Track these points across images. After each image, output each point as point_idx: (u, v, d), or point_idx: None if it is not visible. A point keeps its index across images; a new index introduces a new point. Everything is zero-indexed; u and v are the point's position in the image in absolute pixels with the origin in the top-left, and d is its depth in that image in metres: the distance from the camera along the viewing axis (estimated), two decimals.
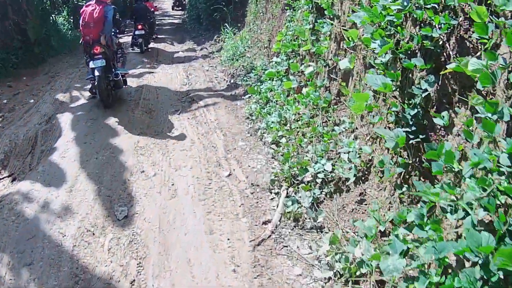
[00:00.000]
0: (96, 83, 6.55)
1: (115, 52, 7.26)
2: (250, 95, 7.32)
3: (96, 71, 6.38)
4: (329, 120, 4.89)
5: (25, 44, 12.29)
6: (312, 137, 4.83)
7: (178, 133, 6.52)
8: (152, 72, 10.49)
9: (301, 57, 6.29)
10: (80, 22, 6.52)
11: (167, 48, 14.50)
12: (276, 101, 6.37)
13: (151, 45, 14.11)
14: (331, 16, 5.07)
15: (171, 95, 8.58)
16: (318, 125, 4.90)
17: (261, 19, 9.81)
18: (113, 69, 6.96)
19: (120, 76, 7.04)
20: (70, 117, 7.15)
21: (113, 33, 7.19)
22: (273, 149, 5.42)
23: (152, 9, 15.18)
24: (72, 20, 18.43)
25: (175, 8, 27.05)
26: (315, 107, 5.15)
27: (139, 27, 12.75)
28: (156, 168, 5.34)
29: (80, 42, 7.23)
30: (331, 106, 4.94)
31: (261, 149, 5.66)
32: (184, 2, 26.54)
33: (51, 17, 15.84)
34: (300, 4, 6.55)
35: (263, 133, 5.93)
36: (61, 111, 7.64)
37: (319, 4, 5.38)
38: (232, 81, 8.98)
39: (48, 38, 13.77)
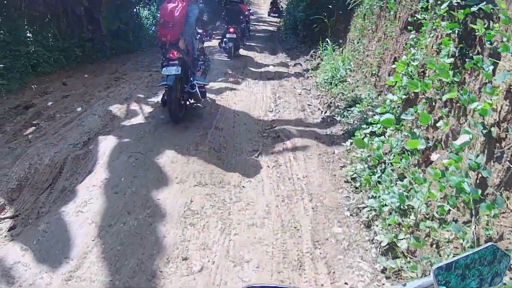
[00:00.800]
0: (167, 92, 5.81)
1: (195, 59, 6.47)
2: (353, 140, 5.43)
3: (168, 79, 5.62)
4: (485, 233, 2.77)
5: (96, 35, 11.44)
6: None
7: (251, 189, 4.71)
8: (234, 89, 8.92)
9: (433, 103, 4.22)
10: (158, 20, 5.91)
11: (257, 58, 13.11)
12: (393, 166, 4.35)
13: (240, 51, 13.03)
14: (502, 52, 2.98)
15: (252, 125, 6.86)
16: (467, 240, 2.82)
17: (369, 38, 7.96)
18: (190, 78, 6.18)
19: (196, 87, 6.15)
20: (113, 144, 5.67)
21: (196, 37, 6.46)
22: (385, 256, 3.42)
23: (246, 13, 14.40)
24: (158, 15, 17.79)
25: (271, 14, 26.85)
26: (460, 201, 3.07)
27: (231, 30, 11.88)
28: (206, 257, 3.54)
29: (155, 42, 6.19)
30: (489, 206, 2.79)
31: (366, 249, 3.65)
32: (281, 9, 26.20)
33: (135, 9, 15.20)
34: (432, 25, 4.50)
35: (372, 218, 3.93)
36: (107, 130, 6.24)
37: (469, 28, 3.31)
38: (328, 113, 7.13)
39: (125, 32, 12.93)
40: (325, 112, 7.10)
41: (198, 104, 7.19)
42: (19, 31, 8.97)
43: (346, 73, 8.39)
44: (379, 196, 3.93)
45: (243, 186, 4.79)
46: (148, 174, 4.88)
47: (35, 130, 6.38)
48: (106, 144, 5.68)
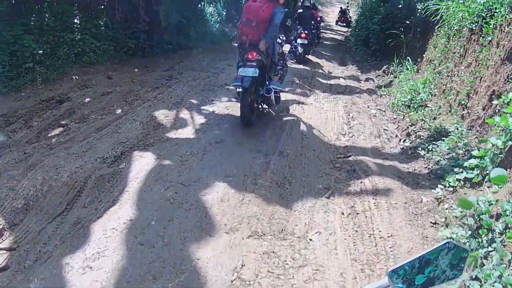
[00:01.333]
0: (240, 94, 5.62)
1: (274, 63, 6.21)
2: (443, 186, 4.26)
3: (244, 80, 5.46)
4: None
5: (153, 28, 10.66)
6: None
7: (320, 245, 3.48)
8: (302, 103, 7.76)
9: None
10: (241, 18, 5.73)
11: (325, 67, 12.15)
12: (505, 241, 3.00)
13: (309, 56, 12.51)
14: None
15: (322, 151, 5.65)
16: None
17: (455, 62, 6.94)
18: (266, 82, 6.06)
19: (272, 92, 6.04)
20: (150, 165, 4.61)
21: (278, 41, 6.27)
22: None
23: (318, 18, 14.28)
24: (224, 13, 17.00)
25: (339, 23, 26.93)
26: None
27: (303, 35, 11.64)
28: None
29: (234, 41, 5.78)
30: None
31: None
32: (349, 19, 26.12)
33: (199, 4, 14.46)
34: None
35: None
36: (147, 144, 5.22)
37: None
38: (408, 142, 6.05)
39: (186, 27, 12.12)
40: (404, 141, 6.18)
41: (270, 110, 6.79)
42: (66, 16, 8.23)
43: (427, 97, 7.37)
44: (486, 282, 2.67)
45: (310, 239, 3.60)
46: (188, 217, 3.74)
47: (62, 133, 5.48)
48: (141, 164, 4.63)
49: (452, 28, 7.41)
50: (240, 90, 5.60)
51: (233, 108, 6.80)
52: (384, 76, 10.79)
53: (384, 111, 7.69)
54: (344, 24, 26.24)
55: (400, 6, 12.50)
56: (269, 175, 4.74)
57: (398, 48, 11.09)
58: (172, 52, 11.07)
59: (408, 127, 6.54)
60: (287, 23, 6.58)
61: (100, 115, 6.09)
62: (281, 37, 6.54)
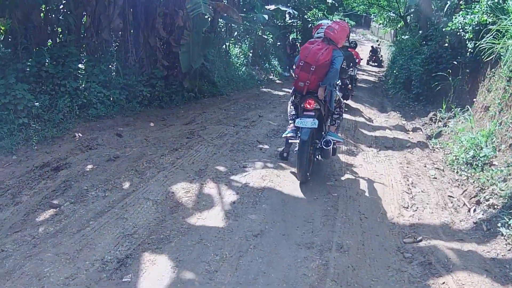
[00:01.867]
0: (297, 148, 5.33)
1: (330, 111, 5.89)
2: None
3: (302, 133, 5.20)
4: None
5: (172, 73, 9.82)
6: None
7: None
8: (351, 165, 6.67)
9: None
10: (297, 61, 5.50)
11: (366, 113, 11.26)
12: None
13: (348, 101, 11.28)
14: None
15: (386, 236, 4.54)
16: None
17: None
18: (323, 133, 5.76)
19: (331, 144, 5.57)
20: (165, 282, 3.48)
21: (336, 87, 5.96)
22: None
23: (357, 60, 13.79)
24: (251, 54, 16.23)
25: (370, 63, 26.89)
26: None
27: (342, 77, 10.08)
28: None
29: (291, 95, 5.81)
30: None
31: None
32: (381, 58, 26.04)
33: (224, 45, 13.69)
34: None
35: None
36: (161, 239, 4.08)
37: None
38: (481, 214, 5.06)
39: (210, 71, 11.29)
40: (474, 210, 5.26)
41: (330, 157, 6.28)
42: (69, 60, 7.34)
43: (493, 152, 6.32)
44: None
45: None
46: None
47: (53, 218, 4.41)
48: (153, 278, 3.48)
49: None
50: (296, 141, 5.44)
51: (271, 177, 5.69)
52: (431, 125, 9.97)
53: (443, 170, 6.74)
54: (376, 64, 26.03)
55: (446, 44, 11.43)
56: (329, 286, 3.55)
57: (445, 92, 10.35)
58: (193, 100, 10.13)
59: (476, 193, 5.59)
60: (343, 66, 6.19)
61: (102, 190, 5.01)
62: (337, 82, 6.25)
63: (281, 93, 13.35)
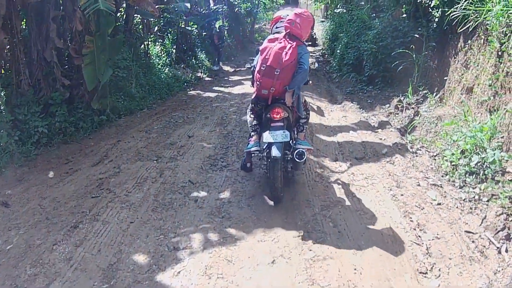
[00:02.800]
0: (269, 166, 4.58)
1: (298, 118, 5.16)
2: None
3: (274, 149, 4.46)
4: None
5: (76, 95, 7.81)
6: None
7: None
8: (325, 205, 5.01)
9: None
10: (257, 65, 4.68)
11: (315, 107, 9.59)
12: None
13: None
14: None
15: None
16: None
17: None
18: (291, 141, 4.85)
19: (305, 156, 4.74)
20: None
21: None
22: None
23: None
24: (174, 51, 14.19)
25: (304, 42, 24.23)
26: None
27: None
28: None
29: (252, 101, 5.08)
30: None
31: None
32: (314, 36, 24.36)
33: (141, 45, 11.61)
34: None
35: None
36: None
37: None
38: None
39: (125, 82, 9.29)
40: (506, 251, 3.87)
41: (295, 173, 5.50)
42: None
43: (504, 158, 4.79)
44: None
45: None
46: None
47: None
48: None
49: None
50: (266, 163, 4.84)
51: (220, 269, 3.80)
52: (398, 114, 8.68)
53: (441, 187, 5.25)
54: (310, 43, 23.81)
55: (403, 15, 9.94)
56: None
57: (406, 72, 9.15)
58: (106, 125, 8.12)
59: (502, 223, 4.14)
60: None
61: None
62: None
63: (212, 95, 11.51)
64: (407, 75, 9.12)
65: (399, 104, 8.82)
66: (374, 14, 12.31)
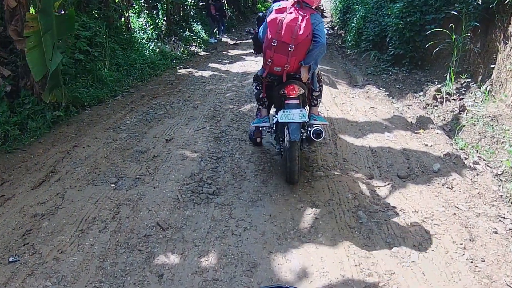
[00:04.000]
0: (286, 148, 4.08)
1: (311, 91, 4.53)
2: None
3: (290, 131, 3.94)
4: None
5: (24, 87, 5.77)
6: None
7: None
8: (366, 274, 2.95)
9: None
10: (266, 40, 4.02)
11: (338, 98, 7.38)
12: None
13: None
14: None
15: None
16: None
17: None
18: (308, 120, 4.39)
19: (323, 134, 4.07)
20: None
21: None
22: None
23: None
24: (164, 22, 11.94)
25: None
26: None
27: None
28: None
29: (260, 75, 4.38)
30: None
31: None
32: (322, 7, 21.74)
33: (121, 18, 9.47)
34: None
35: None
36: None
37: None
38: None
39: (93, 65, 7.23)
40: None
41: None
42: None
43: None
44: None
45: None
46: None
47: None
48: None
49: None
50: (279, 143, 4.36)
51: None
52: (437, 106, 6.72)
53: (497, 206, 3.79)
54: (323, 20, 21.49)
55: None
56: None
57: (440, 53, 7.59)
58: (65, 122, 6.05)
59: None
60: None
61: None
62: None
63: (206, 74, 9.31)
64: (441, 58, 7.57)
65: (438, 94, 6.84)
66: None
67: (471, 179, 4.30)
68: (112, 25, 9.16)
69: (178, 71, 9.67)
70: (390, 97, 7.37)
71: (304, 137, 4.20)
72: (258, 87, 4.65)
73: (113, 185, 4.22)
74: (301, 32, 3.82)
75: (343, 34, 14.78)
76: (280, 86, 4.18)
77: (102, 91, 7.28)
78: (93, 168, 4.61)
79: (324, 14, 21.90)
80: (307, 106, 4.57)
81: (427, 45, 7.57)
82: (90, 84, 7.24)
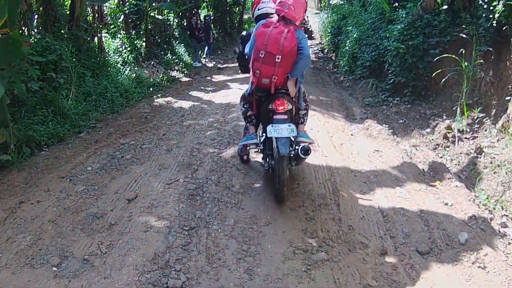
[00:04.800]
0: (274, 163, 4.06)
1: (298, 109, 4.55)
2: None
3: (280, 145, 3.96)
4: None
5: None
6: None
7: None
8: None
9: None
10: (253, 52, 4.10)
11: (329, 126, 6.78)
12: None
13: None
14: None
15: None
16: None
17: None
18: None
19: (310, 152, 4.08)
20: None
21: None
22: None
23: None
24: (144, 44, 11.01)
25: None
26: None
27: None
28: None
29: (248, 94, 4.43)
30: None
31: None
32: (310, 29, 21.61)
33: (89, 39, 8.54)
34: None
35: None
36: None
37: None
38: None
39: (56, 96, 6.32)
40: None
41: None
42: None
43: None
44: None
45: None
46: None
47: None
48: None
49: None
50: (256, 149, 4.48)
51: None
52: (449, 147, 5.86)
53: None
54: (306, 35, 20.62)
55: (437, 8, 7.28)
56: None
57: (447, 82, 6.75)
58: (15, 167, 5.08)
59: None
60: None
61: None
62: None
63: (186, 105, 8.34)
64: (448, 87, 6.87)
65: (449, 133, 6.03)
66: (397, 3, 9.23)
67: (503, 251, 3.48)
68: (82, 47, 8.22)
69: (155, 100, 8.68)
70: (394, 135, 6.50)
71: (292, 155, 4.11)
72: (245, 106, 4.62)
73: (54, 268, 3.21)
74: (287, 43, 3.91)
75: (333, 58, 13.94)
76: (268, 101, 4.19)
77: (63, 127, 6.27)
78: (37, 238, 3.62)
79: (312, 35, 21.24)
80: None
81: (434, 73, 6.82)
82: (51, 118, 6.24)
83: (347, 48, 11.15)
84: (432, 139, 6.15)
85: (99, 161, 5.33)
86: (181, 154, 5.52)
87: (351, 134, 6.50)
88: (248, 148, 4.77)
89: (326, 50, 16.14)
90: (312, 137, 5.15)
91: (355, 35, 10.58)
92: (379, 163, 5.27)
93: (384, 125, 6.86)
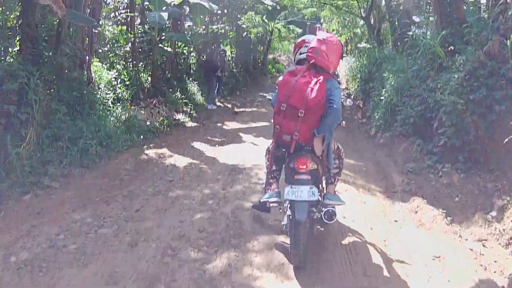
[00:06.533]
0: (291, 227, 3.69)
1: (328, 169, 4.17)
2: None
3: (297, 210, 3.59)
4: None
5: None
6: None
7: None
8: None
9: None
10: (276, 104, 3.84)
11: (367, 214, 4.96)
12: None
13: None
14: None
15: None
16: None
17: None
18: (319, 198, 3.88)
19: (335, 217, 3.89)
20: None
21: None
22: None
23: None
24: (149, 79, 9.45)
25: None
26: None
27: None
28: None
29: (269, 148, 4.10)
30: None
31: None
32: (336, 73, 18.25)
33: (84, 67, 6.99)
34: None
35: None
36: None
37: None
38: None
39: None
40: None
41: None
42: None
43: None
44: None
45: None
46: None
47: None
48: None
49: None
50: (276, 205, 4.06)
51: None
52: None
53: None
54: (340, 86, 18.91)
55: (505, 53, 5.57)
56: None
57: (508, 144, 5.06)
58: None
59: None
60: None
61: None
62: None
63: (182, 162, 6.59)
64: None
65: None
66: (451, 47, 7.39)
67: None
68: (63, 76, 6.60)
69: (145, 152, 6.93)
70: (452, 222, 4.65)
71: (315, 217, 3.84)
72: (269, 161, 4.19)
73: None
74: (312, 96, 3.55)
75: (361, 105, 12.14)
76: (290, 158, 3.85)
77: (4, 185, 4.54)
78: None
79: (338, 80, 19.53)
80: (323, 181, 4.18)
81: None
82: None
83: (382, 98, 9.27)
84: (503, 230, 4.29)
85: (29, 250, 3.56)
86: (147, 256, 3.69)
87: (395, 220, 4.73)
88: (269, 206, 4.12)
89: (353, 96, 14.41)
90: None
91: (394, 84, 8.72)
92: (444, 282, 3.41)
93: (439, 209, 4.96)
